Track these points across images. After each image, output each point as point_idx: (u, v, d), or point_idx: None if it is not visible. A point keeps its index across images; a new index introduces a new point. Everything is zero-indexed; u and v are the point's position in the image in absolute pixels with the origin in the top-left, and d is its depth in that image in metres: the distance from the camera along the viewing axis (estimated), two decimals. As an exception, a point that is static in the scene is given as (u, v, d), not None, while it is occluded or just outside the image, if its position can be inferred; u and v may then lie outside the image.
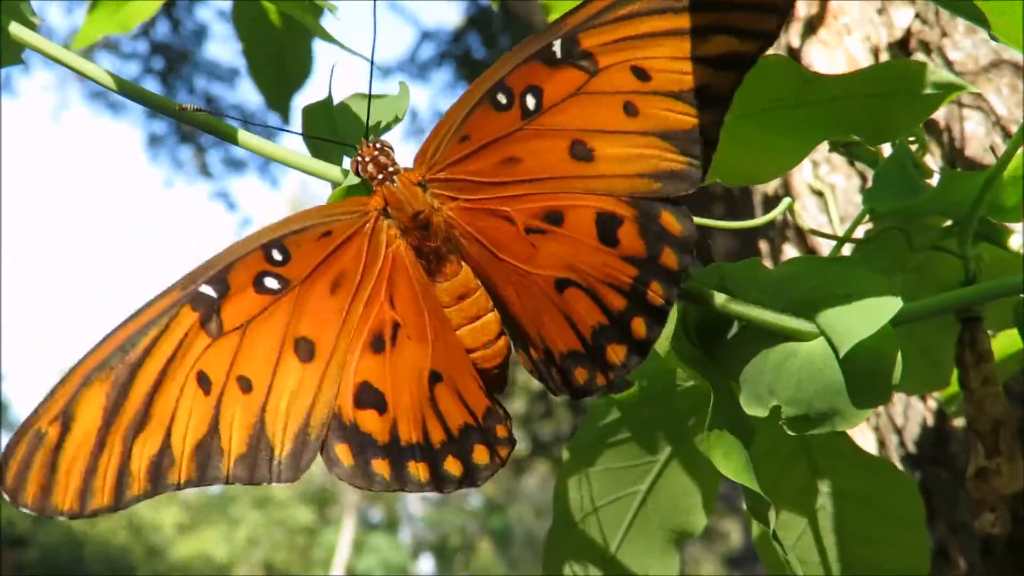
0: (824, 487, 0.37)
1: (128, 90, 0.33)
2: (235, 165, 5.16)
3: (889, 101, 0.30)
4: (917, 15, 0.57)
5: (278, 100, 0.68)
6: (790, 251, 0.65)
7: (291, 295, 0.29)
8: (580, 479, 0.37)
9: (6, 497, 0.26)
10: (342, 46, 0.38)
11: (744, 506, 0.40)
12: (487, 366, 0.30)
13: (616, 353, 0.29)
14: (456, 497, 10.35)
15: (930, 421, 0.57)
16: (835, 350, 0.29)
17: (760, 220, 0.34)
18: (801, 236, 0.64)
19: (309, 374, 0.29)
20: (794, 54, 0.61)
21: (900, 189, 0.36)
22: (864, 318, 0.29)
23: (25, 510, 0.26)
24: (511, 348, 0.30)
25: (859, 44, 0.59)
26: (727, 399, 0.30)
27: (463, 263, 0.30)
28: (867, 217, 0.39)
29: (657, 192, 0.28)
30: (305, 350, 0.29)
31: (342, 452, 0.29)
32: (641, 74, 0.28)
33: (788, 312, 0.30)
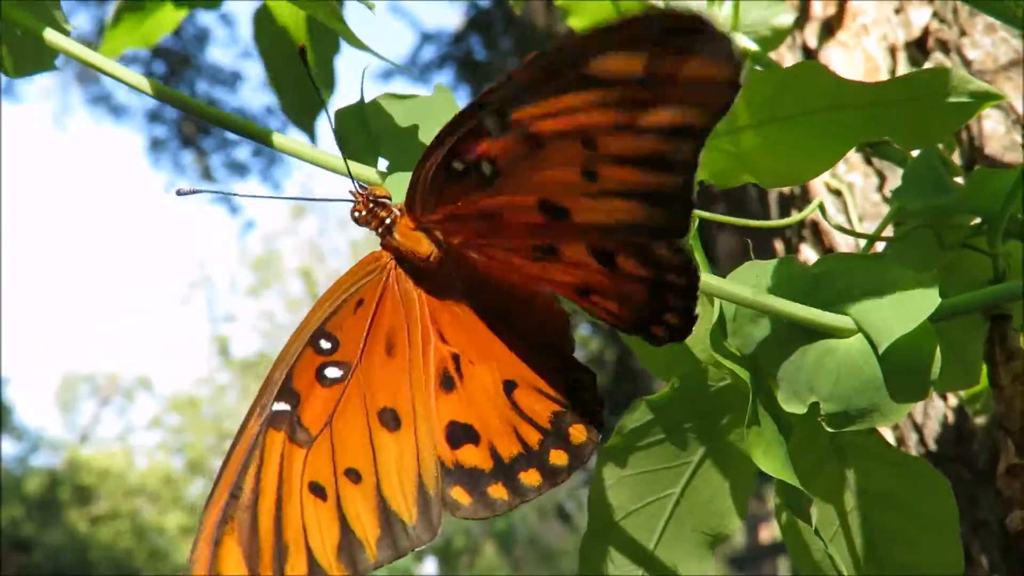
0: (856, 488, 0.37)
1: (165, 95, 0.33)
2: (237, 169, 5.16)
3: (924, 107, 0.30)
4: (935, 14, 0.57)
5: (303, 120, 0.68)
6: (807, 250, 0.65)
7: (356, 375, 0.29)
8: (614, 484, 0.37)
9: None
10: (373, 52, 0.38)
11: (772, 504, 0.40)
12: (544, 340, 0.30)
13: (660, 331, 0.29)
14: (459, 499, 10.31)
15: (951, 419, 0.57)
16: (874, 347, 0.29)
17: (792, 219, 0.35)
18: (818, 235, 0.64)
19: (404, 440, 0.29)
20: (811, 55, 0.62)
21: (929, 187, 0.37)
22: (903, 314, 0.29)
23: None
24: (563, 321, 0.31)
25: (876, 44, 0.59)
26: (765, 396, 0.31)
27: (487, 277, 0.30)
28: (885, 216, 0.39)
29: (639, 239, 0.27)
30: (391, 420, 0.29)
31: (458, 495, 0.29)
32: (589, 143, 0.26)
33: (825, 308, 0.30)
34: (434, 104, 0.34)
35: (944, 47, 0.56)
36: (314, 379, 0.28)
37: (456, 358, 0.30)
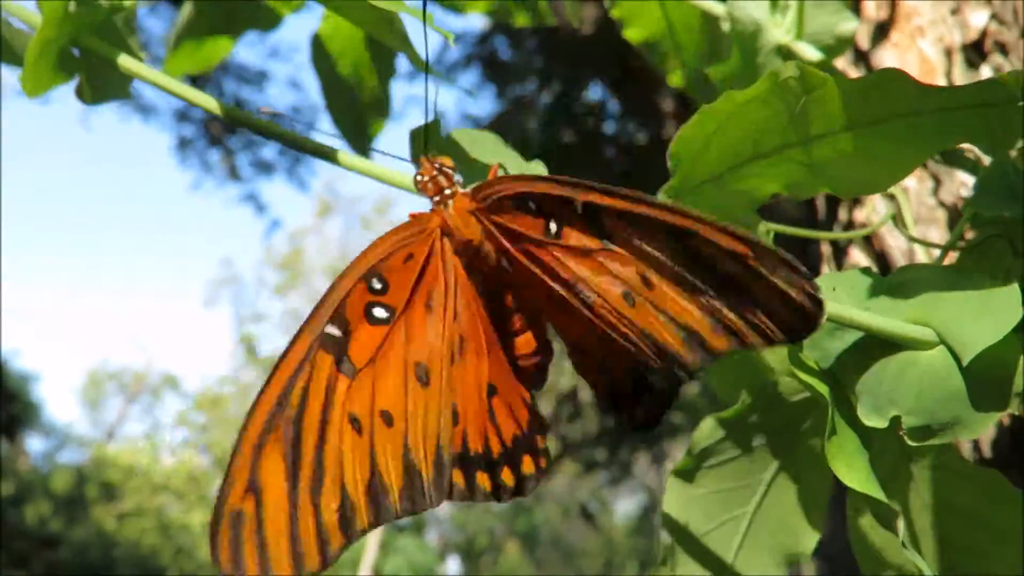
0: (926, 497, 0.37)
1: (235, 116, 0.33)
2: (264, 168, 5.18)
3: (1006, 110, 0.29)
4: (993, 15, 0.56)
5: (359, 142, 0.68)
6: (856, 253, 0.64)
7: (400, 322, 0.29)
8: (685, 506, 0.36)
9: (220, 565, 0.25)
10: (436, 72, 0.38)
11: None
12: (526, 366, 0.31)
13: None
14: (483, 498, 10.33)
15: (1006, 423, 0.56)
16: (957, 358, 0.29)
17: (862, 231, 0.34)
18: (868, 237, 0.63)
19: (431, 398, 0.29)
20: (864, 57, 0.61)
21: (1003, 195, 0.36)
22: (987, 326, 0.28)
23: None
24: (548, 357, 0.31)
25: (932, 46, 0.58)
26: (845, 410, 0.30)
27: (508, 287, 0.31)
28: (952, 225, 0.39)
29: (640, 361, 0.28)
30: (423, 375, 0.29)
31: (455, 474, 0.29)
32: (646, 282, 0.27)
33: (903, 320, 0.30)
34: (489, 143, 0.34)
35: (1003, 49, 0.55)
36: (363, 314, 0.28)
37: (462, 340, 0.30)
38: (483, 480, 0.29)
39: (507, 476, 0.30)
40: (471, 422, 0.29)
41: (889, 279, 0.31)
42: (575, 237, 0.28)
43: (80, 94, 0.36)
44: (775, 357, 0.34)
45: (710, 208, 0.33)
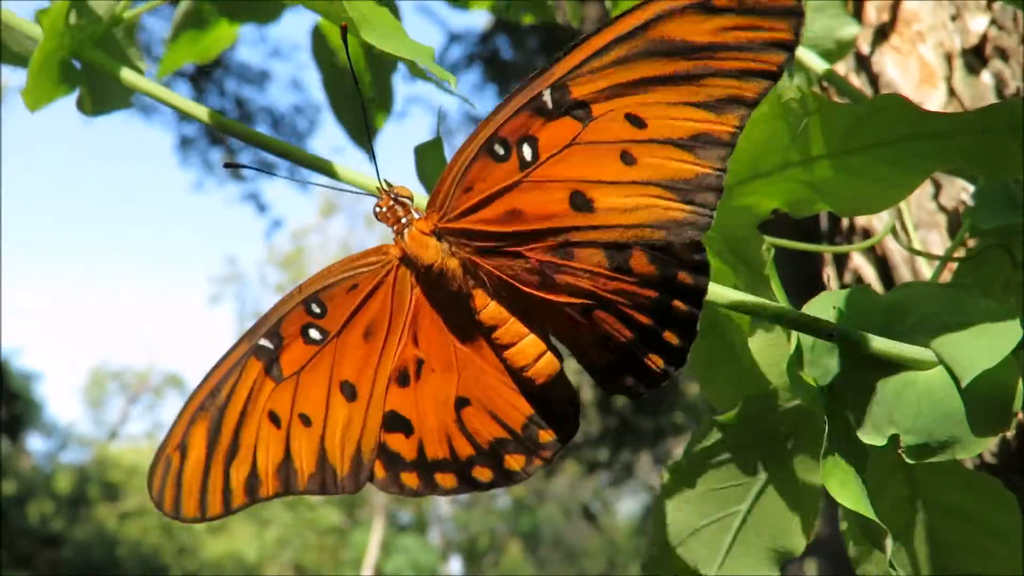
0: (922, 501, 0.37)
1: (231, 128, 0.34)
2: (265, 167, 5.18)
3: (1005, 137, 0.29)
4: (993, 21, 0.56)
5: (359, 136, 0.68)
6: (857, 258, 0.64)
7: (332, 344, 0.32)
8: (680, 501, 0.37)
9: (155, 505, 0.32)
10: (435, 82, 0.38)
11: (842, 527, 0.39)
12: (538, 382, 0.32)
13: (655, 361, 0.30)
14: (485, 498, 10.36)
15: (1009, 430, 0.56)
16: (956, 380, 0.29)
17: (863, 244, 0.34)
18: (871, 248, 0.63)
19: (355, 411, 0.32)
20: (864, 60, 0.61)
21: (1002, 206, 0.36)
22: (986, 348, 0.28)
23: (167, 516, 0.32)
24: (558, 365, 0.32)
25: (932, 51, 0.58)
26: (841, 427, 0.30)
27: (489, 297, 0.31)
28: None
29: (662, 241, 0.29)
30: (349, 391, 0.32)
31: (376, 467, 0.33)
32: (636, 121, 0.28)
33: (901, 339, 0.30)
34: None
35: (1003, 54, 0.55)
36: (298, 333, 0.32)
37: (419, 362, 0.32)
38: (445, 479, 0.33)
39: (482, 473, 0.33)
40: (429, 434, 0.33)
41: (888, 297, 0.31)
42: (553, 139, 0.29)
43: (81, 106, 0.36)
44: (774, 371, 0.34)
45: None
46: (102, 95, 0.36)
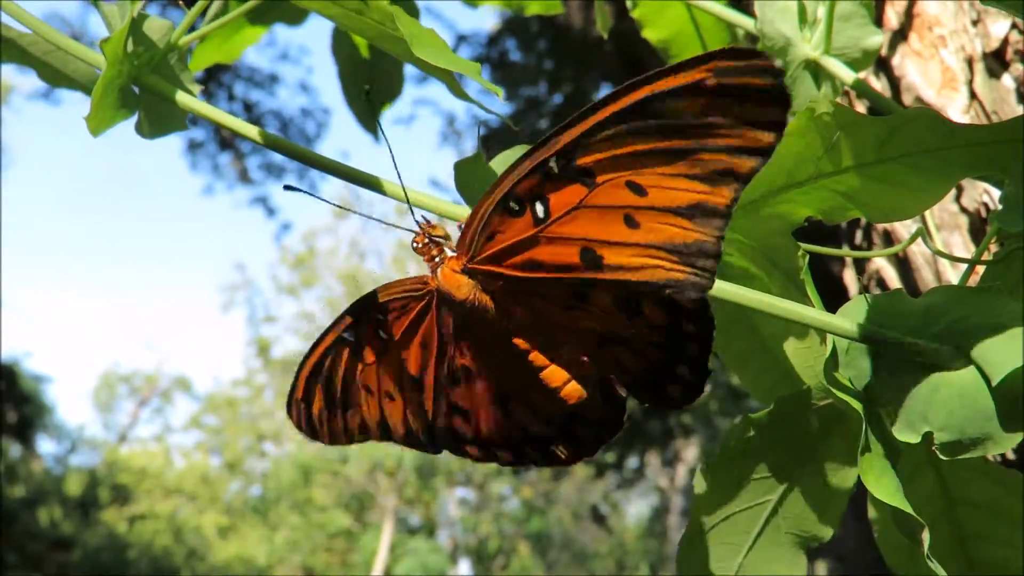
0: (949, 494, 0.39)
1: (282, 146, 0.35)
2: (274, 171, 5.20)
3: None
4: (1014, 25, 0.57)
5: (368, 118, 0.70)
6: (881, 263, 0.65)
7: (394, 347, 0.36)
8: (714, 491, 0.38)
9: (297, 430, 0.38)
10: (449, 86, 0.39)
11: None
12: (569, 403, 0.35)
13: (671, 391, 0.34)
14: (494, 501, 10.37)
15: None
16: (987, 379, 0.30)
17: (891, 250, 0.35)
18: (891, 243, 0.64)
19: (422, 397, 0.37)
20: (884, 64, 0.62)
21: (1028, 212, 0.37)
22: (1015, 347, 0.30)
23: (301, 435, 0.38)
24: (584, 392, 0.35)
25: (953, 55, 0.59)
26: (876, 425, 0.31)
27: (515, 330, 0.35)
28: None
29: (668, 296, 0.31)
30: (413, 384, 0.37)
31: (446, 439, 0.38)
32: (637, 189, 0.30)
33: (935, 341, 0.31)
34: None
35: None
36: (372, 332, 0.36)
37: (467, 370, 0.37)
38: (503, 455, 0.38)
39: (532, 455, 0.38)
40: (483, 420, 0.37)
41: (920, 301, 0.32)
42: (562, 200, 0.31)
43: (140, 129, 0.37)
44: (808, 373, 0.35)
45: (745, 230, 0.35)
46: (159, 118, 0.38)
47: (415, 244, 0.35)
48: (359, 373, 0.37)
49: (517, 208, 0.31)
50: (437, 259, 0.35)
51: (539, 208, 0.31)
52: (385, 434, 0.38)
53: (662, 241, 0.30)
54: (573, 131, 0.30)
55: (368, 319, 0.36)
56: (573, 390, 0.34)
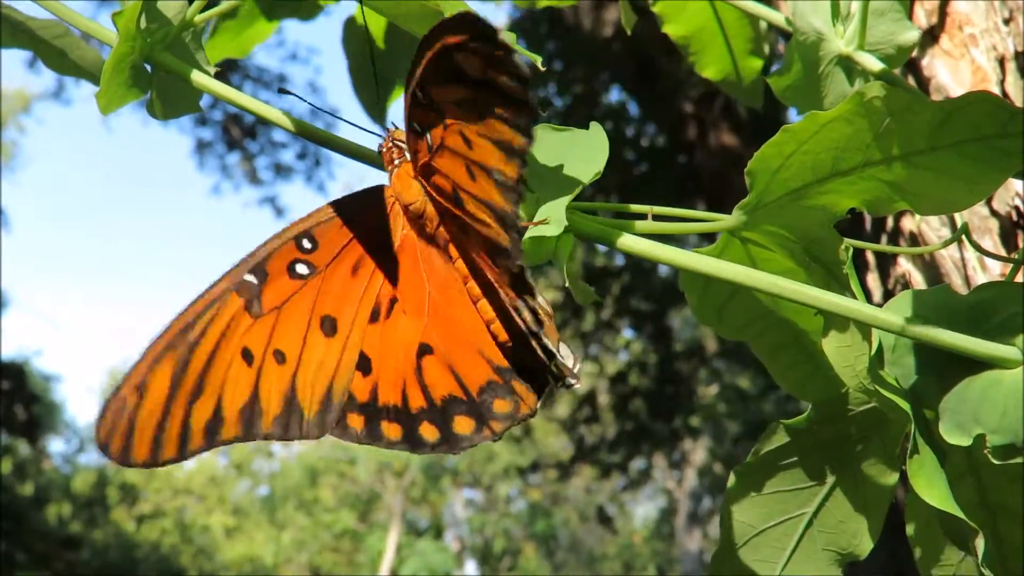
0: (988, 502, 0.37)
1: (311, 133, 0.34)
2: (283, 171, 5.19)
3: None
4: (1048, 23, 0.56)
5: (375, 107, 0.70)
6: (904, 263, 0.63)
7: (318, 277, 0.32)
8: (746, 503, 0.37)
9: (99, 448, 0.31)
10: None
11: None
12: (499, 340, 0.32)
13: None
14: (501, 502, 10.36)
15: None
16: (1043, 378, 0.28)
17: (938, 246, 0.34)
18: (917, 246, 0.62)
19: (332, 347, 0.32)
20: (914, 64, 0.60)
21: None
22: (1073, 345, 0.28)
23: (112, 461, 0.31)
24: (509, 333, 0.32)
25: (984, 54, 0.58)
26: (924, 428, 0.30)
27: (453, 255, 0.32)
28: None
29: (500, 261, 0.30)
30: (329, 326, 0.32)
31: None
32: (466, 141, 0.28)
33: (987, 338, 0.30)
34: (580, 139, 0.33)
35: (1056, 59, 0.55)
36: (285, 268, 0.32)
37: (393, 302, 0.33)
38: (390, 430, 0.32)
39: (428, 431, 0.32)
40: (385, 377, 0.32)
41: (969, 297, 0.31)
42: (435, 134, 0.29)
43: (152, 109, 0.36)
44: (848, 372, 0.34)
45: (785, 223, 0.33)
46: (172, 98, 0.37)
47: (380, 149, 0.33)
48: (242, 333, 0.31)
49: (419, 130, 0.30)
50: (396, 161, 0.32)
51: (429, 138, 0.30)
52: (247, 424, 0.31)
53: (490, 200, 0.28)
54: (423, 61, 0.28)
55: (287, 252, 0.32)
56: (499, 329, 0.32)
